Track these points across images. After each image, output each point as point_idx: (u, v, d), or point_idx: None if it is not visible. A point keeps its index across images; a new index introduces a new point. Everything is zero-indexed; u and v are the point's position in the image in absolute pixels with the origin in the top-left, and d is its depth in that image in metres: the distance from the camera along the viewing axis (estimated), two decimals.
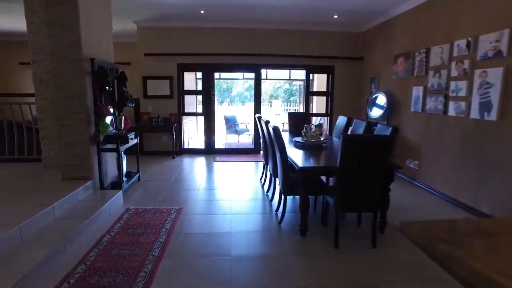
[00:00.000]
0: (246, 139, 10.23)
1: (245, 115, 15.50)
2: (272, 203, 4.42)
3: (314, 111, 10.42)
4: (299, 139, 4.56)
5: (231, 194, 4.78)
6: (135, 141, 5.11)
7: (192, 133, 9.29)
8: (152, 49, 7.17)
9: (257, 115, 5.86)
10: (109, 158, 4.74)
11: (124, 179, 4.90)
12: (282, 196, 3.84)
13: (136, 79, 7.35)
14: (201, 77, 7.66)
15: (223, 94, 28.98)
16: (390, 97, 6.05)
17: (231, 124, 10.17)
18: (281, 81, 33.80)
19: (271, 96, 35.50)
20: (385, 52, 6.41)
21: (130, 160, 5.45)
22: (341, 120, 5.36)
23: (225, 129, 10.26)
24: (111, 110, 4.67)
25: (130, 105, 5.09)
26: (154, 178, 5.62)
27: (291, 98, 25.96)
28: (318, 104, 9.56)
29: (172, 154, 7.26)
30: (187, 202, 4.40)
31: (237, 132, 9.97)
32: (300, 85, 11.87)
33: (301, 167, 3.21)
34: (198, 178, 5.67)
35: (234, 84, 30.45)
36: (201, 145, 7.86)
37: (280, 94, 34.73)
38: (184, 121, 7.79)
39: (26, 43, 4.55)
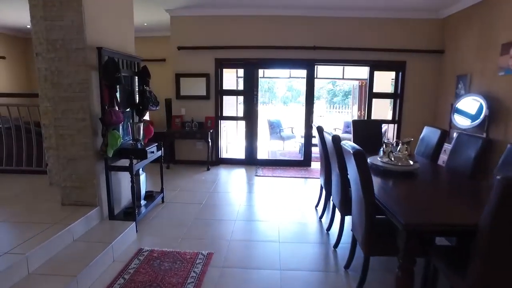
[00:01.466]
0: (291, 146, 8.94)
1: (290, 118, 14.24)
2: (337, 250, 3.13)
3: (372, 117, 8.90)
4: (377, 160, 3.21)
5: (278, 231, 3.55)
6: (158, 154, 4.06)
7: (231, 139, 8.19)
8: (187, 41, 6.14)
9: (315, 124, 4.58)
10: (122, 178, 3.71)
11: (143, 202, 3.86)
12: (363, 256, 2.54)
13: (170, 78, 6.37)
14: (242, 75, 6.50)
15: (264, 94, 27.85)
16: (492, 100, 4.48)
17: (275, 129, 8.95)
18: (325, 80, 32.17)
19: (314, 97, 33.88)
20: (483, 41, 4.82)
21: (154, 173, 4.44)
22: (431, 133, 3.89)
23: (268, 135, 9.06)
24: (125, 115, 3.64)
25: (154, 109, 4.05)
26: (182, 199, 4.54)
27: (335, 99, 24.34)
28: (377, 108, 8.01)
29: (207, 165, 6.18)
30: (219, 244, 3.23)
31: (282, 138, 8.72)
32: (354, 85, 10.35)
33: (406, 225, 1.88)
34: (236, 202, 4.50)
35: (276, 83, 29.29)
36: (241, 154, 6.72)
37: (322, 95, 33.01)
38: (221, 126, 6.70)
39: None
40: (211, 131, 6.15)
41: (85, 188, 3.23)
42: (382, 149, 3.28)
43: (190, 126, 6.16)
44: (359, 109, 9.64)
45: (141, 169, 3.80)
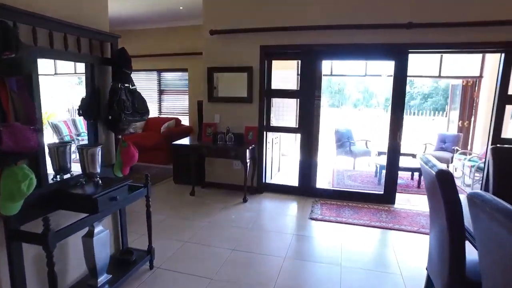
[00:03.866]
0: (365, 164, 6.78)
1: (360, 126, 11.96)
2: None
3: (479, 131, 6.35)
4: None
5: None
6: (140, 193, 2.45)
7: (281, 158, 6.37)
8: (223, 23, 4.49)
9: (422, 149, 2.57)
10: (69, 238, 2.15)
11: (103, 278, 2.26)
12: None
13: (204, 74, 4.80)
14: (298, 70, 4.62)
15: (333, 96, 25.38)
16: None
17: (344, 141, 6.88)
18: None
19: (387, 99, 30.11)
20: None
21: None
22: None
23: (334, 148, 7.03)
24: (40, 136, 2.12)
25: (134, 120, 2.46)
26: (186, 263, 2.86)
27: (411, 103, 20.91)
28: (486, 119, 5.48)
29: (244, 194, 4.44)
30: None
31: (353, 154, 6.61)
32: (453, 85, 7.74)
33: None
34: (271, 274, 2.68)
35: (346, 83, 26.63)
36: (293, 180, 4.85)
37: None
38: (268, 139, 4.93)
39: None
40: (251, 146, 4.41)
41: None
42: None
43: (223, 139, 4.49)
44: (461, 117, 7.08)
45: (99, 223, 2.20)
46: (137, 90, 2.57)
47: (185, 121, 7.36)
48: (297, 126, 4.58)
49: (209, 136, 4.73)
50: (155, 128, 6.98)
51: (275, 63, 4.68)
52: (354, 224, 3.70)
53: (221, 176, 4.89)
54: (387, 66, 7.27)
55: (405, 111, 4.16)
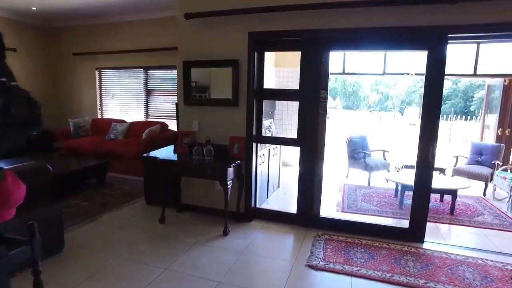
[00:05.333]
0: (382, 178, 5.66)
1: (377, 133, 10.84)
2: None
3: None
4: None
5: None
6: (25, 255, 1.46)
7: (283, 169, 5.34)
8: (200, 3, 3.51)
9: None
10: None
11: None
12: None
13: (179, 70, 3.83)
14: (299, 65, 3.58)
15: (348, 98, 24.17)
16: None
17: (357, 151, 5.80)
18: (418, 82, 27.05)
19: (403, 101, 28.56)
20: None
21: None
22: None
23: (346, 160, 5.96)
24: None
25: (7, 136, 1.47)
26: None
27: None
28: None
29: (225, 225, 3.41)
30: None
31: (368, 168, 5.52)
32: (490, 85, 6.55)
33: None
34: None
35: (361, 83, 25.43)
36: (291, 205, 3.82)
37: (414, 100, 27.64)
38: (263, 151, 3.92)
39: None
40: (236, 163, 3.40)
41: None
42: None
43: (199, 152, 3.49)
44: (501, 124, 5.90)
45: None
46: (21, 88, 1.59)
47: (173, 125, 6.41)
48: (296, 137, 3.54)
49: (184, 147, 3.75)
50: (139, 134, 6.05)
51: (277, 58, 3.68)
52: (369, 279, 2.64)
53: (200, 198, 3.90)
54: (412, 63, 6.17)
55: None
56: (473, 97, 23.79)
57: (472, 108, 23.99)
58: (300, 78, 3.42)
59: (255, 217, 3.79)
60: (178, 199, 3.98)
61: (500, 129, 5.86)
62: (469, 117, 22.32)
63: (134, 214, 3.89)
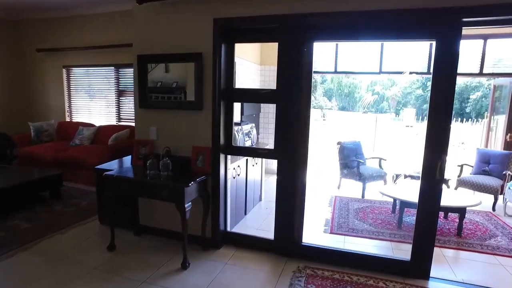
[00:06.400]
0: (377, 191, 5.01)
1: (372, 138, 10.27)
2: None
3: None
4: None
5: None
6: None
7: (267, 179, 4.71)
8: None
9: None
10: None
11: None
12: None
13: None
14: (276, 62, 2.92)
15: (344, 99, 23.62)
16: None
17: (350, 159, 5.18)
18: (413, 83, 26.62)
19: (398, 103, 28.07)
20: None
21: None
22: None
23: (338, 169, 5.35)
24: None
25: None
26: None
27: (425, 106, 18.94)
28: None
29: (183, 256, 2.76)
30: None
31: (361, 178, 4.90)
32: (496, 85, 5.95)
33: None
34: None
35: (358, 84, 24.95)
36: (267, 229, 3.17)
37: (409, 101, 27.16)
38: (234, 164, 3.29)
39: None
40: (199, 179, 2.77)
41: None
42: None
43: (154, 166, 2.85)
44: (510, 129, 5.30)
45: None
46: None
47: None
48: (274, 148, 2.91)
49: (141, 159, 3.11)
50: (108, 140, 5.39)
51: (262, 54, 3.06)
52: None
53: (163, 219, 3.25)
54: (410, 60, 5.57)
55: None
56: (468, 98, 23.34)
57: (467, 110, 23.54)
58: (277, 76, 2.78)
59: (225, 242, 3.16)
60: (136, 220, 3.34)
61: (508, 134, 5.26)
62: (464, 119, 21.88)
63: (81, 239, 3.24)
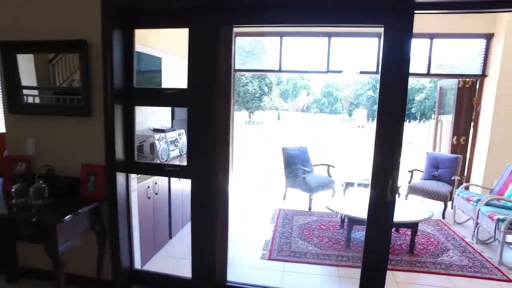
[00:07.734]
0: (324, 203, 4.55)
1: (320, 141, 10.05)
2: None
3: (481, 153, 4.43)
4: None
5: None
6: None
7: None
8: None
9: None
10: None
11: None
12: None
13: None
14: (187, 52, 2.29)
15: (284, 95, 23.53)
16: None
17: (295, 167, 4.70)
18: (364, 85, 27.35)
19: (351, 104, 28.80)
20: None
21: None
22: None
23: (283, 178, 4.84)
24: None
25: None
26: None
27: (375, 107, 19.33)
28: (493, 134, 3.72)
29: None
30: None
31: (308, 188, 4.43)
32: (443, 87, 5.83)
33: None
34: None
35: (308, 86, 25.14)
36: (184, 266, 2.52)
37: (361, 102, 27.99)
38: (135, 185, 2.61)
39: None
40: (89, 207, 2.07)
41: None
42: None
43: (25, 193, 2.10)
44: (456, 132, 5.12)
45: None
46: None
47: None
48: (187, 164, 2.28)
49: (15, 181, 2.32)
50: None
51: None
52: None
53: (42, 261, 2.48)
54: (358, 59, 5.21)
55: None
56: (413, 100, 24.39)
57: (413, 111, 24.61)
58: (188, 72, 2.17)
59: (133, 282, 2.48)
60: (14, 260, 2.54)
61: (455, 137, 5.08)
62: (411, 119, 22.82)
63: None
